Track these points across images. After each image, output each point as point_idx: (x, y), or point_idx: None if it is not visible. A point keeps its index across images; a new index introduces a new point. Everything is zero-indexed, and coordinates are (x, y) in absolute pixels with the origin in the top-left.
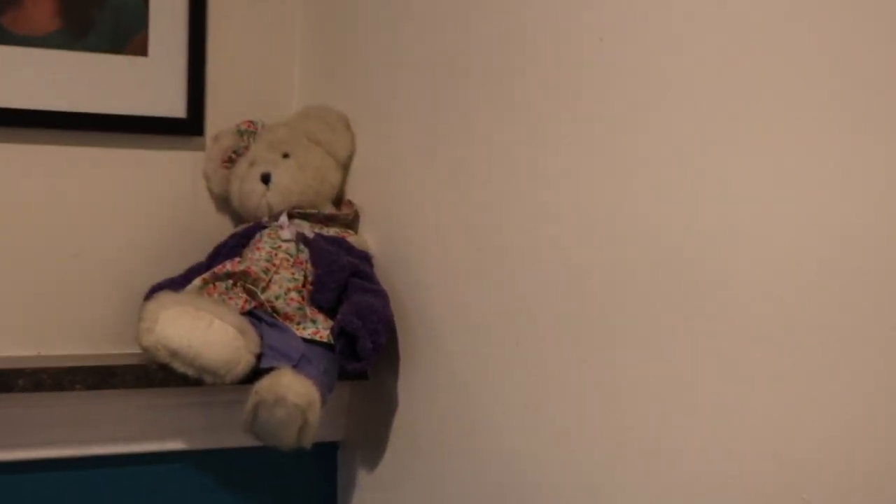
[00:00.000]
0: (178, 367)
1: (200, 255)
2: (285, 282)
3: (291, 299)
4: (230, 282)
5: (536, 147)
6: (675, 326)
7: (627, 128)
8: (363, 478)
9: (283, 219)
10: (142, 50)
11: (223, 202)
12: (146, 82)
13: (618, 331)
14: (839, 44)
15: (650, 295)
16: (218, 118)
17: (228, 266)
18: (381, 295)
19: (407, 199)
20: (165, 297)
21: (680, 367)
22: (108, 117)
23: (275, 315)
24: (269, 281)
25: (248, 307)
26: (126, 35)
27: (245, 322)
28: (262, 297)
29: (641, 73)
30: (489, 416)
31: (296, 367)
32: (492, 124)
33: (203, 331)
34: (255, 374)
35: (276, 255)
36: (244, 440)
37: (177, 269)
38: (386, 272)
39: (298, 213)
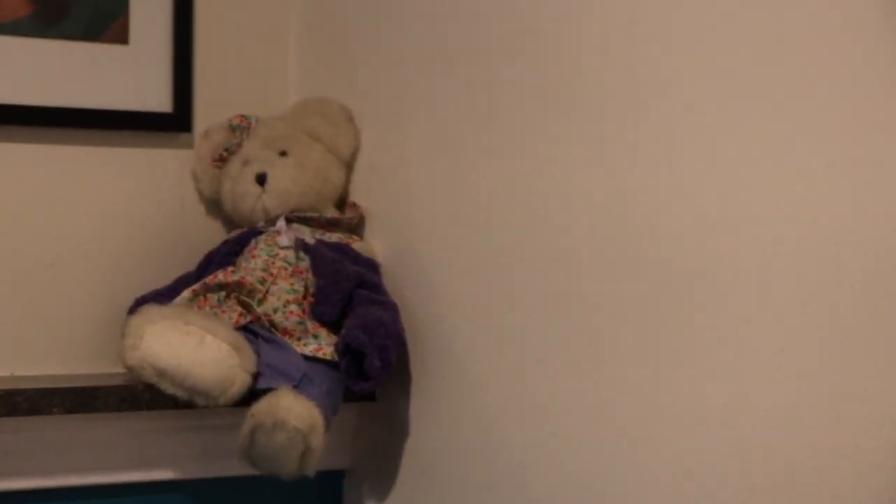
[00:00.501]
0: (167, 387)
1: (189, 265)
2: (284, 293)
3: (291, 312)
4: (223, 293)
5: (565, 141)
6: (720, 342)
7: (657, 124)
8: None
9: (281, 223)
10: (122, 37)
11: (214, 205)
12: (127, 73)
13: (655, 345)
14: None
15: (689, 311)
16: (207, 112)
17: (221, 276)
18: (390, 307)
19: (417, 200)
20: (151, 310)
21: (724, 390)
22: (85, 112)
23: (273, 330)
24: (266, 292)
25: (242, 321)
26: (104, 21)
27: (240, 338)
28: (259, 310)
29: (663, 65)
30: (510, 442)
31: (296, 387)
32: (513, 116)
33: (194, 348)
34: (252, 395)
35: (273, 263)
36: (240, 468)
37: (163, 279)
38: (395, 282)
39: (298, 216)
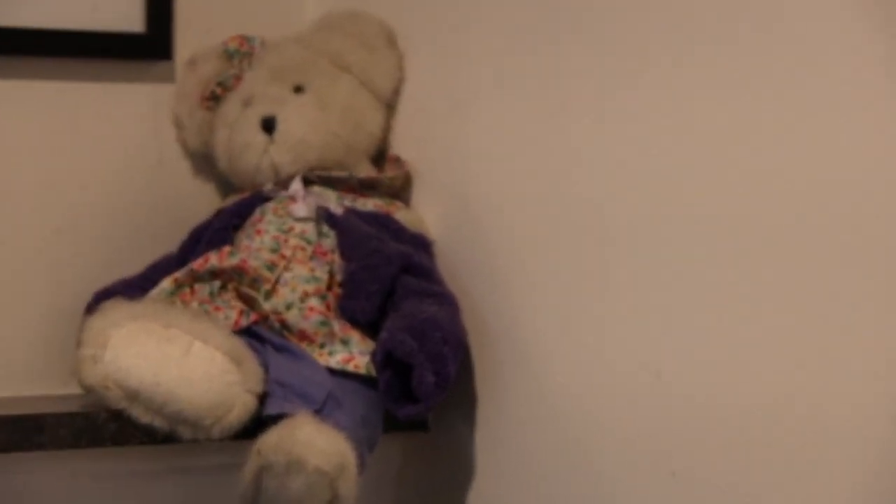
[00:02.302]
0: (140, 414)
1: (169, 244)
2: (301, 283)
3: (311, 309)
4: (216, 284)
5: (670, 82)
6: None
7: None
8: None
9: (297, 186)
10: None
11: (204, 161)
12: None
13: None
14: None
15: None
16: (193, 32)
17: (213, 260)
18: (447, 301)
19: (483, 154)
20: (117, 308)
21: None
22: (26, 33)
23: (286, 334)
24: (277, 282)
25: (244, 322)
26: None
27: (241, 345)
28: (266, 306)
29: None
30: (614, 486)
31: (319, 412)
32: (609, 41)
33: (177, 360)
34: (258, 424)
35: (286, 242)
36: None
37: (133, 265)
38: (452, 265)
39: (319, 176)
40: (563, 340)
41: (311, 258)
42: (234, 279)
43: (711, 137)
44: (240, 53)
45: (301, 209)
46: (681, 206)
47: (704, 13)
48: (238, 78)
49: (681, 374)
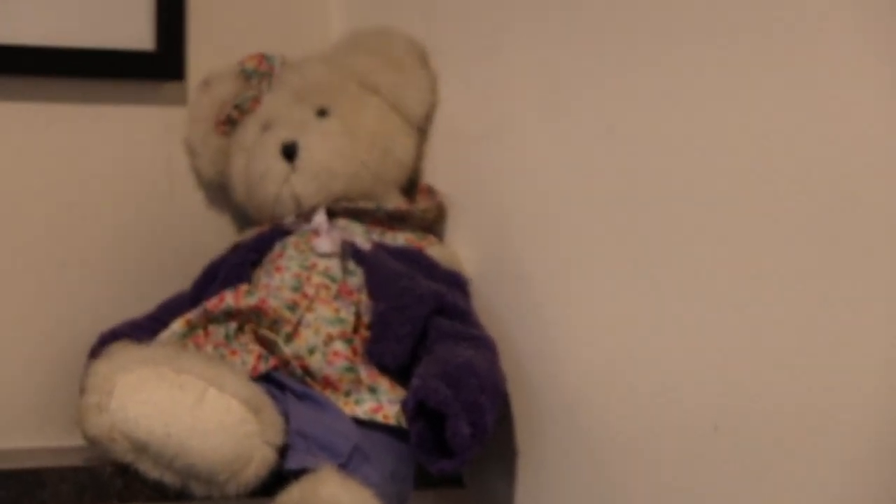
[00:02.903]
0: (149, 469)
1: (181, 281)
2: (325, 325)
3: (335, 354)
4: (233, 325)
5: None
6: None
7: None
8: None
9: (320, 219)
10: None
11: (219, 191)
12: None
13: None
14: None
15: None
16: (207, 51)
17: (230, 299)
18: (485, 344)
19: (525, 182)
20: (124, 352)
21: None
22: (26, 51)
23: (308, 380)
24: (299, 324)
25: (263, 368)
26: None
27: (260, 393)
28: (287, 350)
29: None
30: None
31: (345, 467)
32: (665, 59)
33: (190, 408)
34: (277, 479)
35: (308, 279)
36: None
37: (142, 304)
38: (490, 305)
39: (345, 208)
40: (613, 389)
41: (336, 298)
42: (251, 320)
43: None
44: (258, 73)
45: (325, 244)
46: (744, 243)
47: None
48: (256, 100)
49: (738, 428)
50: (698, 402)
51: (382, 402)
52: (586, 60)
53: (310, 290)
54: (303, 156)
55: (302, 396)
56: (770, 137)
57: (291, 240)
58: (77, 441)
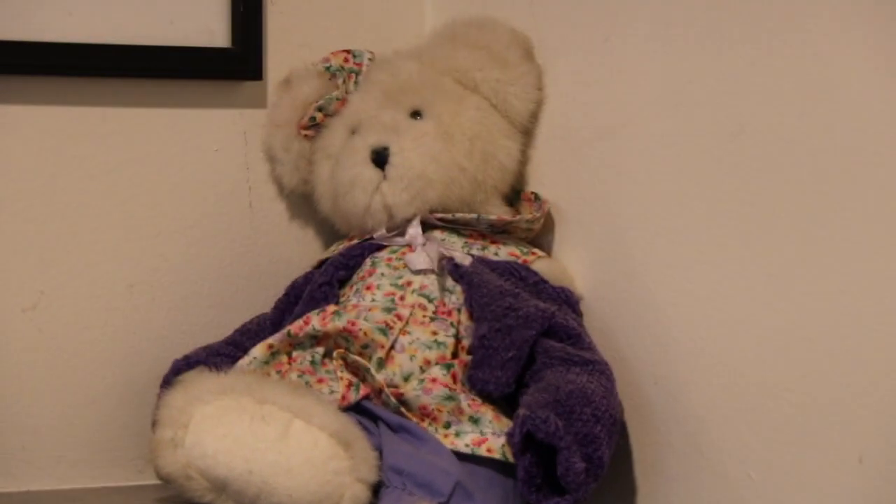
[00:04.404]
0: None
1: (262, 303)
2: (421, 349)
3: (433, 381)
4: (319, 350)
5: None
6: None
7: None
8: None
9: (415, 231)
10: None
11: (302, 201)
12: None
13: None
14: None
15: None
16: (287, 48)
17: (315, 322)
18: (599, 369)
19: (645, 189)
20: (201, 381)
21: None
22: (92, 49)
23: (404, 411)
24: (392, 348)
25: (353, 398)
26: None
27: (350, 424)
28: (380, 377)
29: None
30: None
31: None
32: (813, 46)
33: (273, 443)
34: None
35: (402, 299)
36: None
37: (219, 329)
38: (605, 325)
39: (442, 219)
40: (744, 417)
41: (433, 319)
42: (340, 345)
43: None
44: (344, 71)
45: (420, 259)
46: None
47: None
48: (342, 101)
49: (887, 460)
50: (842, 431)
51: (486, 434)
52: (713, 52)
53: (404, 311)
54: (395, 162)
55: (397, 428)
56: None
57: (383, 255)
58: (150, 480)
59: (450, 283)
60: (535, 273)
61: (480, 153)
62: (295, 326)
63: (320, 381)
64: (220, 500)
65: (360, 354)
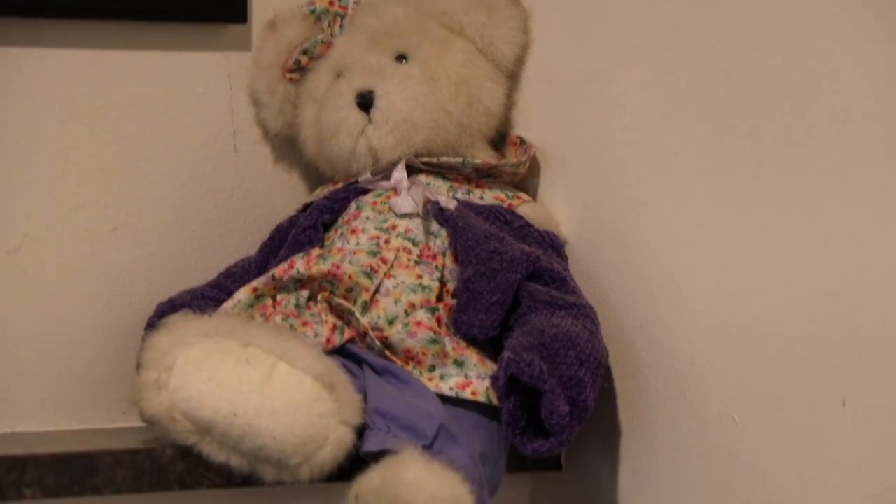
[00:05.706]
0: (214, 452)
1: (246, 246)
2: (406, 292)
3: (418, 324)
4: (304, 294)
5: None
6: None
7: None
8: None
9: (400, 175)
10: None
11: (287, 145)
12: None
13: None
14: None
15: None
16: None
17: (300, 265)
18: (584, 313)
19: (630, 134)
20: (184, 324)
21: None
22: None
23: (388, 354)
24: (377, 291)
25: (337, 341)
26: None
27: (334, 367)
28: (365, 321)
29: None
30: None
31: (429, 449)
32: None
33: (258, 385)
34: (355, 463)
35: (387, 243)
36: None
37: (203, 272)
38: (590, 269)
39: (427, 163)
40: (728, 360)
41: (418, 262)
42: (324, 288)
43: None
44: (329, 14)
45: (405, 203)
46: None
47: None
48: (327, 44)
49: (870, 403)
50: (825, 374)
51: (470, 377)
52: None
53: (389, 255)
54: (380, 105)
55: (381, 371)
56: None
57: (368, 199)
58: (134, 422)
59: (435, 226)
60: (521, 217)
61: (466, 97)
62: (279, 270)
63: (305, 324)
64: (205, 442)
65: (345, 298)
